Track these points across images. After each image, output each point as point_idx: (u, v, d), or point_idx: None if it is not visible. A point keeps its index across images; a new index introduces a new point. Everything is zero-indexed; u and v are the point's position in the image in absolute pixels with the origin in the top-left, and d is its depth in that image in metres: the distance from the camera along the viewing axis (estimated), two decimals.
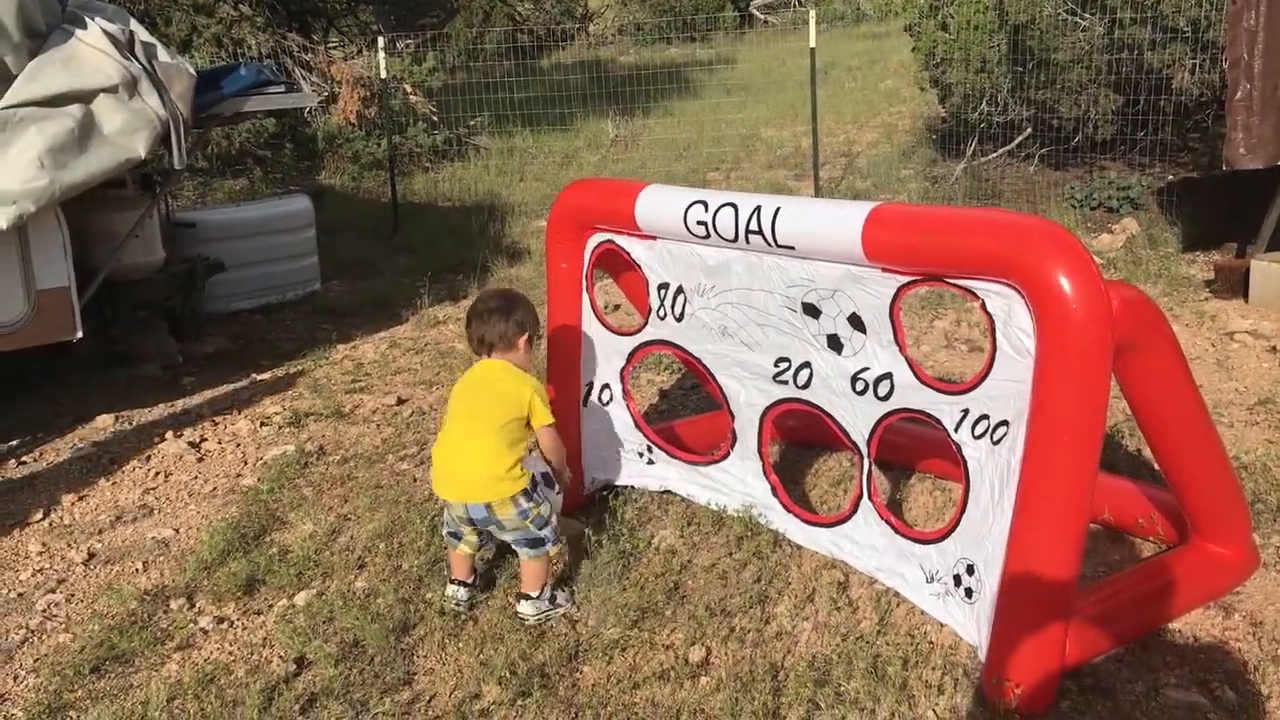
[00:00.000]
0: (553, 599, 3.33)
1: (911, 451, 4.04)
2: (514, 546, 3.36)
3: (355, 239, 9.61)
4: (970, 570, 2.86)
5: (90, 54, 4.88)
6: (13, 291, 4.72)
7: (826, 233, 2.97)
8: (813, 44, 9.96)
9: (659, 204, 3.49)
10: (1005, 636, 2.63)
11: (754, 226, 3.17)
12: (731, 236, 3.27)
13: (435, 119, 12.41)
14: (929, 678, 2.86)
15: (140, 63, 5.04)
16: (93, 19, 5.06)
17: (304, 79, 11.56)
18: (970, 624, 2.86)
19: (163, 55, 5.22)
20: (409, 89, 12.07)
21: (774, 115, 14.68)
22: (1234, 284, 6.28)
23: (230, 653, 3.26)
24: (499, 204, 10.57)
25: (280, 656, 3.20)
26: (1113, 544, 3.51)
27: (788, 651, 3.04)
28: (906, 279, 2.91)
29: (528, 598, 3.31)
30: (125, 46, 5.05)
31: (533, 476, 3.34)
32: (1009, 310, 2.65)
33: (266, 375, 6.06)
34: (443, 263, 8.46)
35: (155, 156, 5.47)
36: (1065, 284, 2.43)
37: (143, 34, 5.21)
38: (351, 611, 3.36)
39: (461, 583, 3.43)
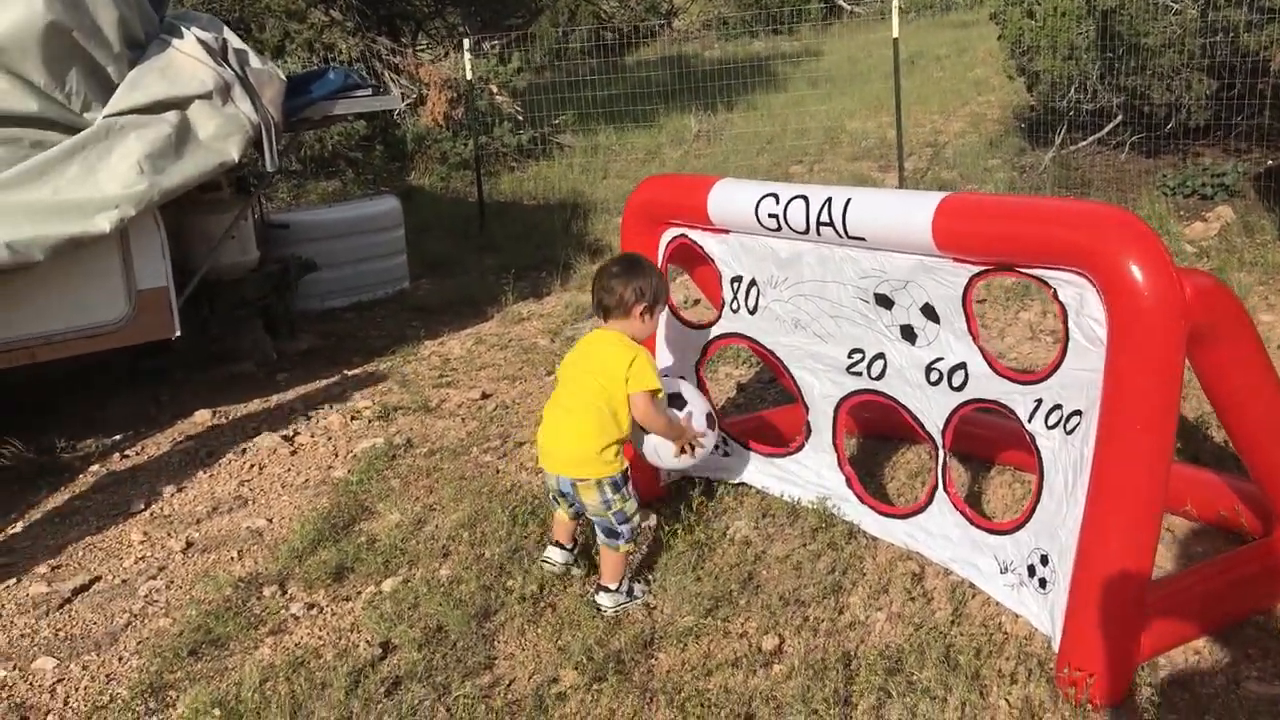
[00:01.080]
0: (630, 591, 3.39)
1: (991, 444, 4.02)
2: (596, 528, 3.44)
3: (443, 238, 9.79)
4: (1044, 560, 2.85)
5: (186, 62, 5.08)
6: (115, 292, 4.93)
7: (897, 223, 2.98)
8: (895, 34, 9.86)
9: (731, 198, 3.53)
10: (1078, 627, 2.62)
11: (825, 218, 3.19)
12: (803, 229, 3.29)
13: (520, 119, 12.57)
14: (1003, 667, 2.86)
15: (233, 69, 5.22)
16: (188, 28, 5.26)
17: (393, 81, 11.81)
18: (1044, 614, 2.85)
19: (254, 61, 5.40)
20: (495, 89, 12.25)
21: (859, 107, 14.57)
22: None
23: (320, 637, 3.38)
24: (582, 202, 10.68)
25: (367, 641, 3.31)
26: (1195, 537, 3.45)
27: (861, 641, 3.06)
28: (978, 269, 2.91)
29: (605, 589, 3.37)
30: (219, 54, 5.23)
31: (627, 468, 3.36)
32: (1081, 299, 2.64)
33: (357, 371, 6.22)
34: (526, 261, 8.58)
35: (249, 160, 5.66)
36: (1136, 272, 2.41)
37: (235, 41, 5.40)
38: (435, 598, 3.46)
39: (559, 545, 3.55)
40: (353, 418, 5.37)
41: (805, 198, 3.26)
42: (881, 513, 3.52)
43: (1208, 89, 8.33)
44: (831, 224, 3.18)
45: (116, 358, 5.99)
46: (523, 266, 8.34)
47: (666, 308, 3.81)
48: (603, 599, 3.37)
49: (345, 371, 6.22)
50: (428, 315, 7.43)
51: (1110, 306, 2.50)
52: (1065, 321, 2.71)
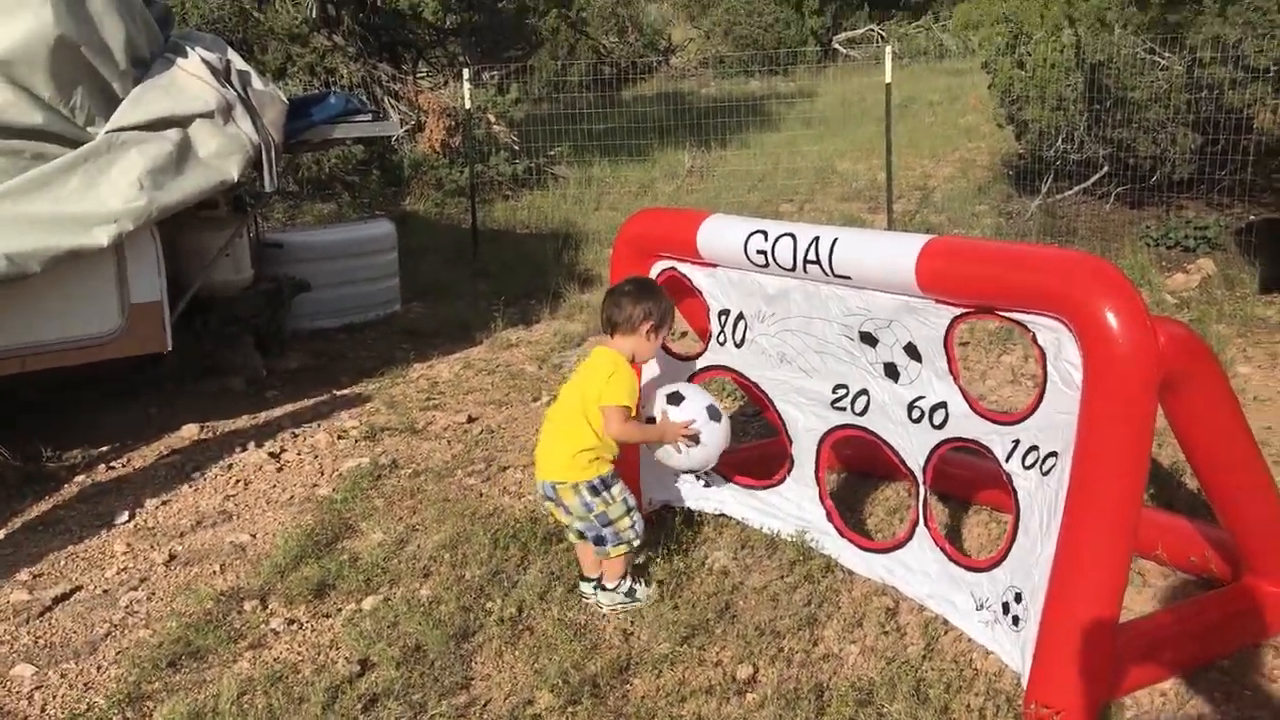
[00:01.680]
0: (630, 592, 3.50)
1: (969, 483, 4.08)
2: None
3: (437, 263, 9.85)
4: (1018, 598, 2.91)
5: (189, 81, 5.15)
6: (109, 304, 4.97)
7: (882, 264, 3.06)
8: (888, 79, 10.01)
9: (720, 233, 3.60)
10: (1047, 664, 2.67)
11: (812, 256, 3.27)
12: (790, 265, 3.37)
13: (516, 148, 12.68)
14: (971, 703, 2.91)
15: (235, 90, 5.30)
16: (193, 48, 5.34)
17: (393, 108, 11.92)
18: (1015, 651, 2.90)
19: (256, 83, 5.48)
20: (492, 119, 12.36)
21: (851, 148, 14.74)
22: None
23: (299, 653, 3.41)
24: (574, 232, 10.76)
25: (345, 658, 3.34)
26: (1166, 581, 3.52)
27: (833, 673, 3.11)
28: (960, 311, 2.98)
29: (603, 588, 3.51)
30: (222, 74, 5.31)
31: (608, 474, 3.46)
32: (1058, 343, 2.71)
33: (346, 391, 6.26)
34: (518, 288, 8.65)
35: (248, 179, 5.72)
36: (1111, 319, 2.49)
37: (239, 62, 5.48)
38: (415, 617, 3.49)
39: (584, 578, 3.60)
40: (339, 437, 5.40)
41: (793, 235, 3.34)
42: (861, 547, 3.58)
43: (1192, 143, 8.48)
44: (818, 262, 3.25)
45: (109, 369, 6.03)
46: (513, 294, 8.41)
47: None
48: (602, 597, 3.52)
49: (334, 391, 6.26)
50: (418, 339, 7.48)
51: (1086, 352, 2.57)
52: (1044, 365, 2.78)
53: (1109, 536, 2.56)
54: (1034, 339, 2.79)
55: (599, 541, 3.50)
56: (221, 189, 5.26)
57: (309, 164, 11.19)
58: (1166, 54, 8.39)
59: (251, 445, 5.31)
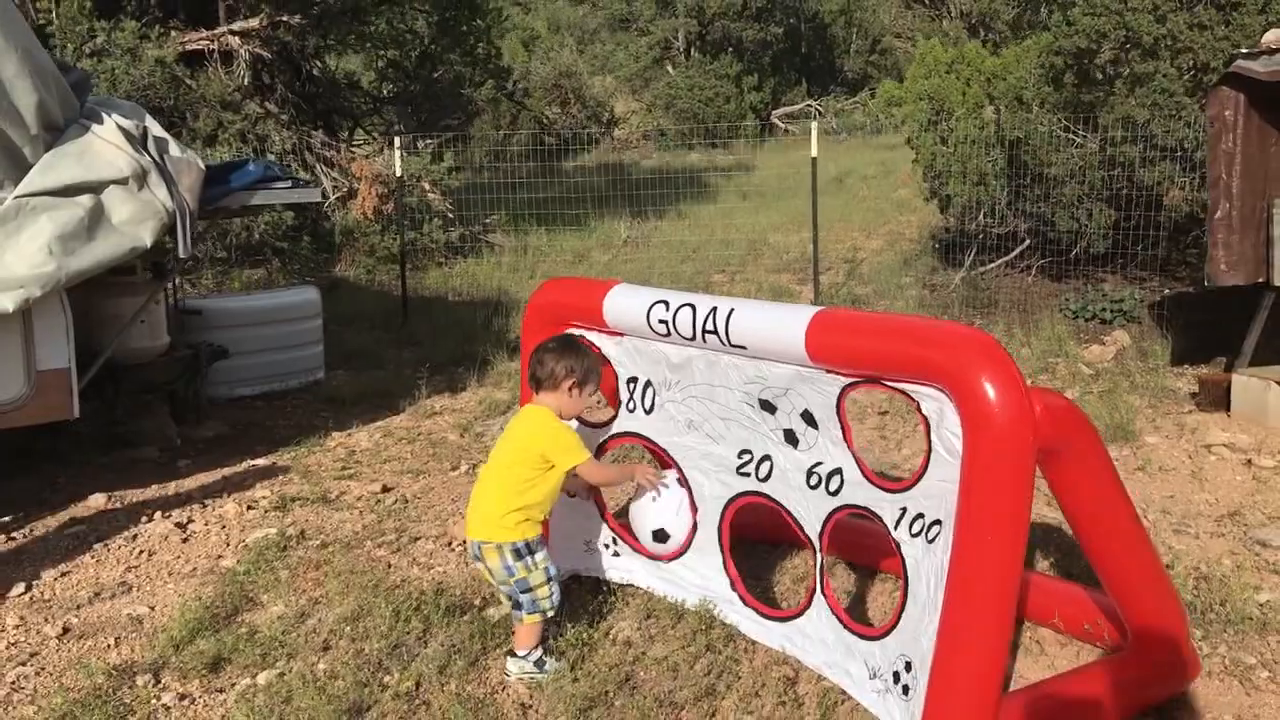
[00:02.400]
0: (539, 663, 3.47)
1: (878, 551, 4.09)
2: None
3: (365, 330, 9.81)
4: (908, 667, 2.91)
5: (103, 147, 5.12)
6: (14, 371, 4.88)
7: (774, 334, 3.10)
8: (814, 153, 10.21)
9: (625, 303, 3.63)
10: None
11: (710, 326, 3.30)
12: (690, 335, 3.40)
13: (450, 216, 12.72)
14: None
15: (151, 156, 5.27)
16: (109, 114, 5.31)
17: (324, 174, 11.92)
18: None
19: (174, 149, 5.46)
20: (427, 186, 12.41)
21: (785, 220, 14.98)
22: (1217, 398, 6.35)
23: None
24: (506, 300, 10.78)
25: None
26: (1061, 648, 3.54)
27: None
28: (849, 380, 3.02)
29: (513, 655, 3.50)
30: (138, 141, 5.28)
31: (534, 539, 3.47)
32: (941, 413, 2.75)
33: (261, 460, 6.17)
34: (446, 355, 8.63)
35: (168, 245, 5.68)
36: (989, 389, 2.53)
37: (156, 129, 5.46)
38: (308, 692, 3.42)
39: (511, 653, 3.55)
40: (249, 507, 5.31)
41: (693, 306, 3.37)
42: (763, 615, 3.57)
43: (1107, 218, 8.72)
44: (716, 332, 3.29)
45: (12, 437, 5.90)
46: (440, 361, 8.39)
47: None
48: (509, 664, 3.50)
49: (249, 460, 6.17)
50: (339, 406, 7.41)
51: (964, 421, 2.61)
52: (928, 433, 2.82)
53: (989, 604, 2.58)
54: (919, 408, 2.83)
55: (516, 605, 3.51)
56: (134, 255, 5.20)
57: (238, 230, 11.13)
58: (1081, 132, 8.65)
59: (159, 515, 5.20)
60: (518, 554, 3.44)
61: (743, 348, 3.25)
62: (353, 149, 13.43)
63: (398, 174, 10.77)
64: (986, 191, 9.35)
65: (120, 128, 5.23)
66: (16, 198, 4.86)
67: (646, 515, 3.80)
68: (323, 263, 12.43)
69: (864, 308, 9.93)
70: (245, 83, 11.29)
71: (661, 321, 3.47)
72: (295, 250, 11.87)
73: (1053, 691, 2.93)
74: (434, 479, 5.73)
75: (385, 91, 13.77)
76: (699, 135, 29.61)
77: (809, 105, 33.49)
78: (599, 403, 4.09)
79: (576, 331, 3.96)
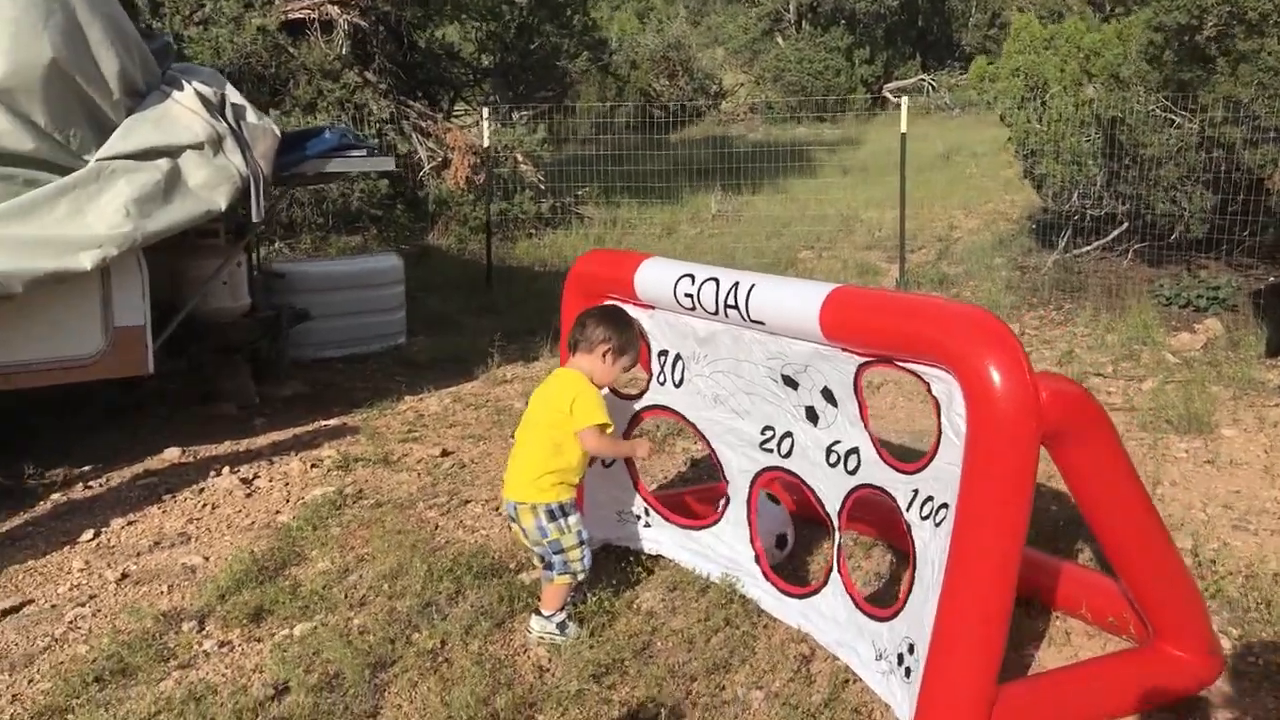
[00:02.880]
0: (562, 625, 3.54)
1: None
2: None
3: (449, 297, 9.99)
4: (911, 649, 2.89)
5: (181, 113, 5.31)
6: (92, 327, 5.11)
7: (790, 311, 3.08)
8: (903, 129, 10.03)
9: (654, 276, 3.64)
10: (926, 717, 2.65)
11: (731, 301, 3.30)
12: (713, 310, 3.40)
13: (542, 187, 12.83)
14: None
15: (228, 123, 5.45)
16: (189, 81, 5.50)
17: (420, 144, 12.12)
18: (906, 703, 2.88)
19: (250, 116, 5.62)
20: (519, 158, 12.53)
21: (883, 197, 14.72)
22: None
23: (223, 675, 3.46)
24: None
25: (264, 682, 3.38)
26: (1089, 640, 3.47)
27: (734, 718, 3.10)
28: (864, 359, 2.99)
29: (538, 614, 3.57)
30: (216, 107, 5.46)
31: (567, 502, 3.53)
32: (950, 395, 2.71)
33: (332, 421, 6.35)
34: (523, 325, 8.73)
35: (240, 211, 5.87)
36: (991, 372, 2.49)
37: (234, 96, 5.64)
38: (338, 645, 3.53)
39: (536, 612, 3.61)
40: (313, 465, 5.48)
41: (716, 280, 3.37)
42: (782, 591, 3.57)
43: (1207, 202, 8.39)
44: (737, 307, 3.28)
45: (102, 390, 6.18)
46: (517, 331, 8.49)
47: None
48: (533, 622, 3.57)
49: (321, 420, 6.35)
50: (415, 371, 7.58)
51: (968, 404, 2.57)
52: (938, 416, 2.78)
53: (986, 589, 2.55)
54: (929, 389, 2.79)
55: (547, 565, 3.57)
56: (208, 218, 5.39)
57: (336, 197, 11.41)
58: (1181, 111, 8.32)
59: (226, 470, 5.40)
60: (551, 515, 3.51)
61: (761, 323, 3.24)
62: (451, 120, 13.62)
63: (484, 144, 10.88)
64: (1082, 172, 9.06)
65: (199, 94, 5.41)
66: (98, 160, 5.08)
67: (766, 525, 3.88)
68: (418, 231, 12.67)
69: (950, 288, 9.76)
70: (344, 52, 11.53)
71: (687, 295, 3.48)
72: (390, 218, 12.11)
73: (1055, 682, 2.88)
74: (493, 445, 5.83)
75: (484, 63, 13.91)
76: (807, 109, 29.30)
77: (921, 79, 32.79)
78: (631, 379, 4.11)
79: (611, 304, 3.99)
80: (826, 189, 15.64)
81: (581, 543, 3.56)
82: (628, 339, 3.66)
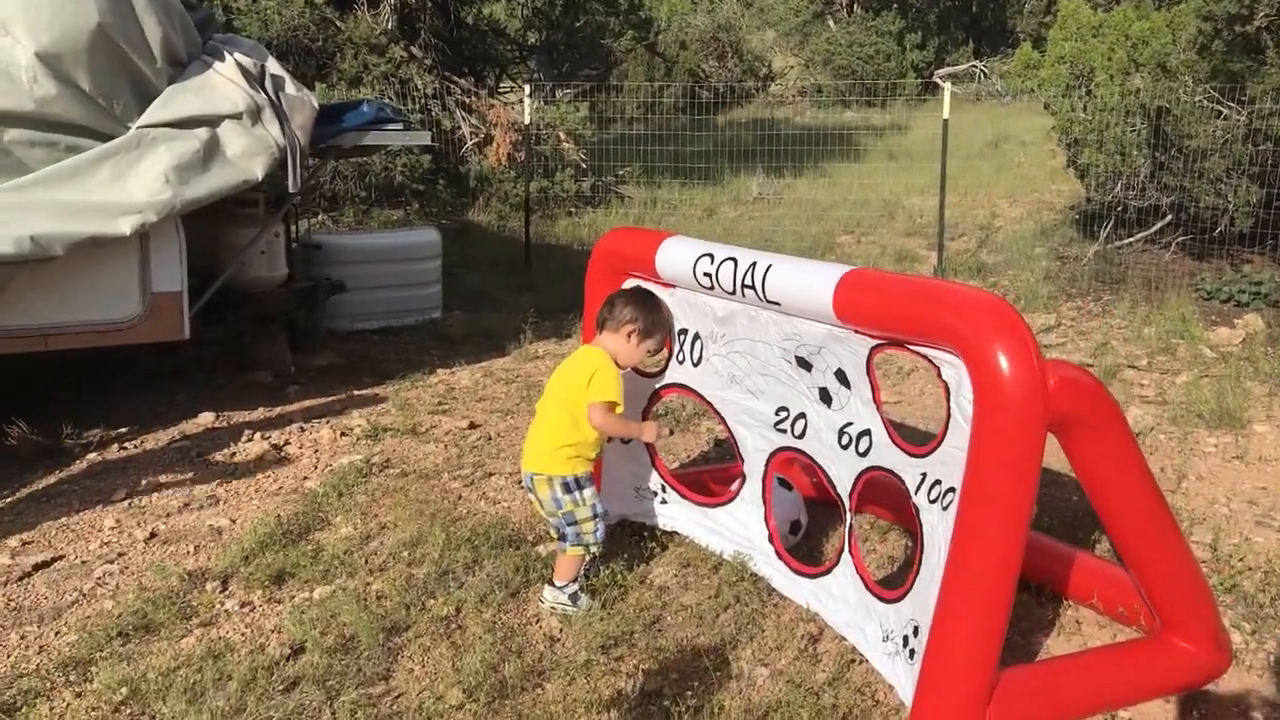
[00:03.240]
0: (574, 597, 3.60)
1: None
2: None
3: (487, 274, 10.06)
4: (916, 632, 2.90)
5: (221, 83, 5.39)
6: (130, 292, 5.21)
7: (805, 292, 3.09)
8: (945, 115, 9.95)
9: (675, 255, 3.66)
10: (926, 699, 2.67)
11: (748, 281, 3.31)
12: (730, 289, 3.41)
13: (584, 166, 12.86)
14: None
15: (267, 94, 5.52)
16: (231, 52, 5.58)
17: (464, 120, 12.18)
18: (909, 685, 2.89)
19: (289, 88, 5.70)
20: (562, 136, 12.57)
21: (928, 183, 14.61)
22: None
23: (242, 634, 3.54)
24: None
25: (281, 642, 3.46)
26: (1100, 629, 3.46)
27: (738, 693, 3.13)
28: (876, 342, 3.00)
29: (551, 584, 3.63)
30: (256, 78, 5.54)
31: (583, 475, 3.59)
32: (959, 379, 2.72)
33: (364, 391, 6.44)
34: (558, 302, 8.77)
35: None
36: (999, 357, 2.49)
37: (274, 67, 5.71)
38: (355, 609, 3.60)
39: (550, 583, 3.66)
40: (343, 434, 5.56)
41: (734, 260, 3.39)
42: (794, 570, 3.59)
43: (1253, 196, 8.26)
44: (753, 287, 3.30)
45: (141, 356, 6.31)
46: (552, 308, 8.54)
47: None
48: (546, 592, 3.64)
49: (353, 390, 6.44)
50: (449, 345, 7.65)
51: (975, 389, 2.57)
52: (948, 399, 2.78)
53: (988, 575, 2.56)
54: (939, 373, 2.80)
55: (561, 537, 3.63)
56: (245, 187, 5.47)
57: (379, 171, 11.50)
58: (1229, 103, 8.19)
59: (258, 436, 5.50)
60: (567, 488, 3.56)
61: (777, 304, 3.26)
62: (496, 96, 13.67)
63: (526, 122, 10.93)
64: (1126, 162, 8.95)
65: (239, 65, 5.49)
66: (139, 128, 5.17)
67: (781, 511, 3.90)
68: (459, 207, 12.75)
69: (989, 277, 9.68)
70: (390, 26, 11.60)
71: (706, 274, 3.50)
72: (432, 193, 12.19)
73: (1056, 669, 2.88)
74: (520, 419, 5.89)
75: (530, 40, 13.94)
76: (856, 93, 29.05)
77: (974, 66, 32.40)
78: (657, 364, 4.14)
79: (634, 282, 4.01)
80: (871, 174, 15.55)
81: (595, 516, 3.60)
82: (654, 321, 3.70)
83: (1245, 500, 4.62)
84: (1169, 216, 9.35)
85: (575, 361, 3.70)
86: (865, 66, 32.04)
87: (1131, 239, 9.65)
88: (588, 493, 3.60)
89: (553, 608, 3.60)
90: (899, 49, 32.86)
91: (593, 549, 3.63)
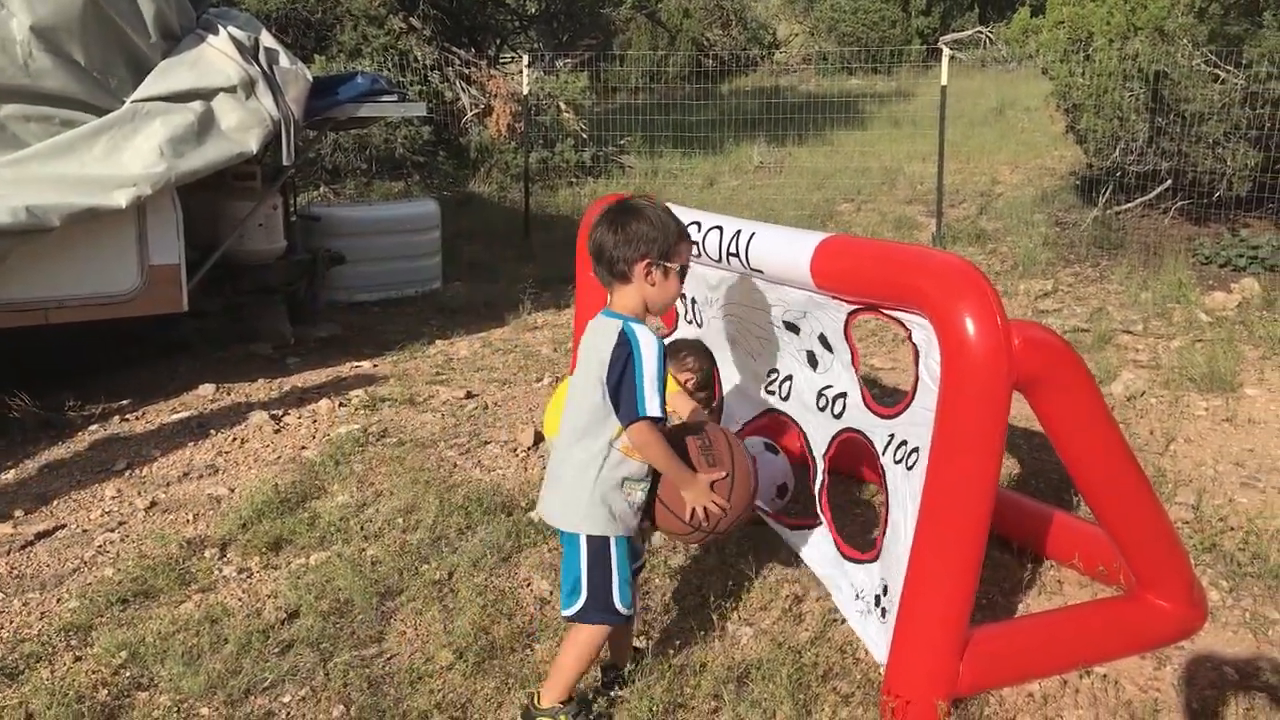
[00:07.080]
0: None
1: None
2: None
3: (487, 245, 10.09)
4: (886, 590, 2.97)
5: (215, 56, 5.43)
6: (128, 264, 5.27)
7: (784, 259, 3.14)
8: (944, 81, 9.93)
9: None
10: (900, 656, 2.73)
11: (733, 249, 3.36)
12: (716, 257, 3.46)
13: (584, 136, 12.86)
14: (843, 689, 2.98)
15: (261, 67, 5.56)
16: (224, 26, 5.62)
17: (463, 91, 12.18)
18: (882, 643, 2.95)
19: (283, 61, 5.73)
20: (562, 106, 12.56)
21: (929, 150, 14.53)
22: None
23: (239, 599, 3.62)
24: None
25: (277, 606, 3.54)
26: (1081, 589, 3.52)
27: (722, 652, 3.20)
28: (853, 306, 3.05)
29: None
30: (249, 51, 5.57)
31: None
32: (929, 341, 2.76)
33: (363, 362, 6.50)
34: (557, 273, 8.80)
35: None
36: (964, 318, 2.53)
37: (268, 41, 5.74)
38: (350, 574, 3.68)
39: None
40: (341, 404, 5.63)
41: (721, 228, 3.43)
42: (783, 524, 3.66)
43: (1251, 160, 8.25)
44: (738, 255, 3.34)
45: (143, 328, 6.37)
46: (551, 278, 8.58)
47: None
48: None
49: (352, 361, 6.51)
50: (448, 316, 7.71)
51: (942, 350, 2.62)
52: (916, 362, 2.83)
53: (957, 533, 2.61)
54: (909, 336, 2.84)
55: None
56: (240, 159, 5.52)
57: (379, 143, 11.53)
58: (1227, 67, 8.16)
59: (258, 406, 5.57)
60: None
61: (760, 271, 3.31)
62: (497, 67, 13.65)
63: (524, 92, 10.93)
64: (1124, 127, 8.93)
65: (233, 38, 5.53)
66: (134, 101, 5.22)
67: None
68: (460, 178, 12.77)
69: (988, 243, 9.69)
70: None
71: (694, 242, 3.54)
72: (433, 165, 12.21)
73: (1029, 626, 2.94)
74: (517, 389, 5.95)
75: (530, 10, 13.91)
76: (860, 60, 28.89)
77: (979, 32, 32.16)
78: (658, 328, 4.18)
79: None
80: (874, 142, 15.49)
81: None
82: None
83: (1232, 462, 4.67)
84: (1167, 181, 9.32)
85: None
86: (870, 33, 31.82)
87: (1130, 204, 9.64)
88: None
89: None
90: (904, 15, 32.60)
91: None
